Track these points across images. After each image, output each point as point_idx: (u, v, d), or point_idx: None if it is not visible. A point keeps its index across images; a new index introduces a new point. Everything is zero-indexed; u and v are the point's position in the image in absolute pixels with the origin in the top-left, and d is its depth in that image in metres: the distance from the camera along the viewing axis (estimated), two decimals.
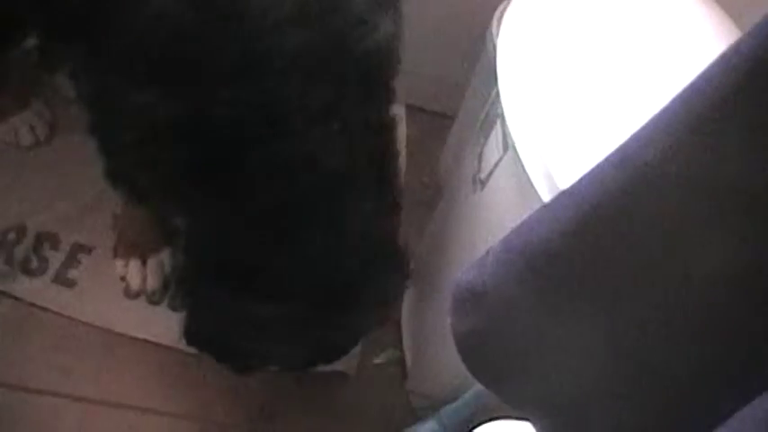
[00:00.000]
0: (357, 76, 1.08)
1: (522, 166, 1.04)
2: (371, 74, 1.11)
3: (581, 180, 0.67)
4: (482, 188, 1.21)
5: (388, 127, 1.19)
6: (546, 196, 1.01)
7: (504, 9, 1.55)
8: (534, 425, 0.83)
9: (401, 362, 1.69)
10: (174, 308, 1.59)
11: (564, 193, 0.70)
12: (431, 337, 1.58)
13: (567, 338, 0.74)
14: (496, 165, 1.16)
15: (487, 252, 0.80)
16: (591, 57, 1.11)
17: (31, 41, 1.58)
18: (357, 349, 1.61)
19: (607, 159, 0.64)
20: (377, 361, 1.70)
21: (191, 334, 1.32)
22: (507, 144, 1.11)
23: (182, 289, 1.35)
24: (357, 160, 1.12)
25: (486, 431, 0.96)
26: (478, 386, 1.28)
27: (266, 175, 1.09)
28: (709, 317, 0.62)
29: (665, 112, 0.59)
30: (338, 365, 1.59)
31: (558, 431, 0.80)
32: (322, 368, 1.56)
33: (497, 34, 1.54)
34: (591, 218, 0.65)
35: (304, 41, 1.01)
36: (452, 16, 1.71)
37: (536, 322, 0.75)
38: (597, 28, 1.14)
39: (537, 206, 1.02)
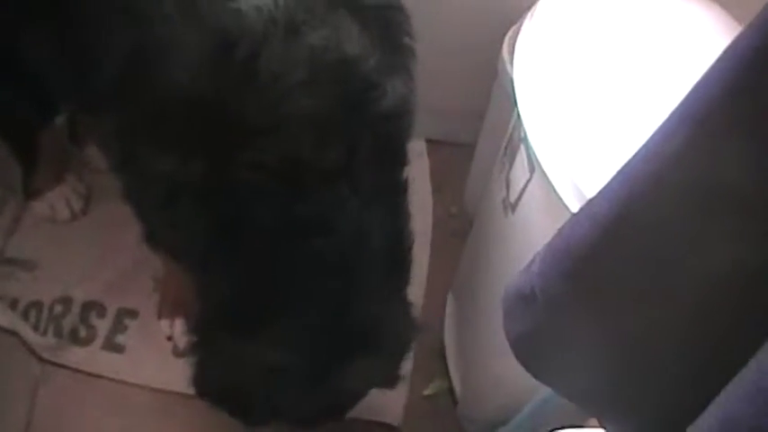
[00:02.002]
0: (370, 139, 1.11)
1: (551, 185, 1.07)
2: (384, 137, 1.13)
3: (612, 179, 0.71)
4: (513, 211, 1.24)
5: (400, 188, 1.22)
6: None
7: (514, 34, 1.60)
8: (601, 422, 0.86)
9: (450, 390, 1.71)
10: None
11: (599, 192, 0.73)
12: (476, 362, 1.60)
13: (612, 330, 0.77)
14: (524, 187, 1.18)
15: (533, 258, 0.83)
16: (605, 70, 1.14)
17: (61, 119, 1.63)
18: (403, 398, 1.65)
19: (635, 156, 0.68)
20: (426, 392, 1.72)
21: (200, 384, 1.34)
22: (533, 165, 1.14)
23: (196, 339, 1.37)
24: (368, 221, 1.15)
25: None
26: (530, 405, 1.31)
27: (281, 234, 1.13)
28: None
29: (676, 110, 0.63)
30: (385, 417, 1.63)
31: (623, 425, 0.82)
32: (368, 417, 1.60)
33: (509, 60, 1.58)
34: (625, 212, 0.69)
35: (316, 106, 1.05)
36: (463, 47, 1.74)
37: (585, 316, 0.78)
38: (610, 42, 1.17)
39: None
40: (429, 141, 1.99)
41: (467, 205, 1.95)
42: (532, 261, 0.83)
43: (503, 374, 1.46)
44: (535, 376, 0.92)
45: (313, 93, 1.05)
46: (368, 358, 1.27)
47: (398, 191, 1.22)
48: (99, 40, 1.15)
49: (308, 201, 1.10)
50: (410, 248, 1.26)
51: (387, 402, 1.59)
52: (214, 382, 1.34)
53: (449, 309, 1.76)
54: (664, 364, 0.74)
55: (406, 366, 1.57)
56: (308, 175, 1.09)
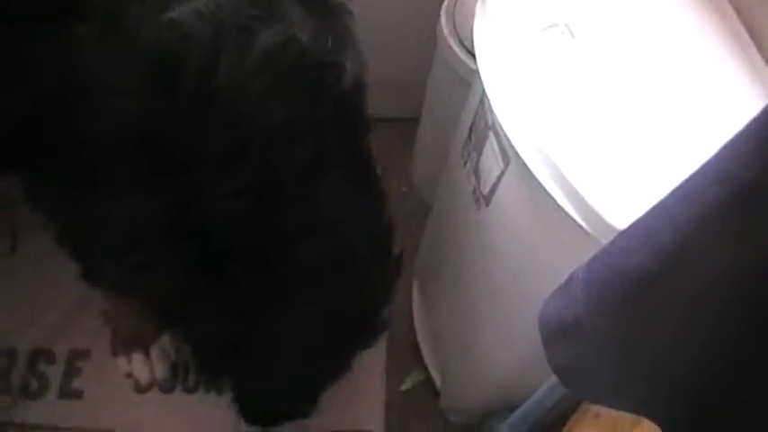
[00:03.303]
0: (337, 121, 1.01)
1: (532, 175, 0.99)
2: (349, 114, 1.04)
3: (669, 198, 0.65)
4: (487, 204, 1.15)
5: (369, 160, 1.14)
6: (563, 201, 0.96)
7: (450, 6, 1.51)
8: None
9: (429, 382, 1.64)
10: (188, 390, 1.54)
11: (653, 215, 0.67)
12: (453, 351, 1.53)
13: (659, 346, 0.74)
14: (499, 179, 1.10)
15: (570, 282, 0.77)
16: (575, 42, 1.05)
17: None
18: (381, 400, 1.61)
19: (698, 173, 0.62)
20: (404, 387, 1.65)
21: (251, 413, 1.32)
22: (508, 156, 1.05)
23: (207, 376, 1.32)
24: (349, 205, 1.07)
25: None
26: (537, 394, 1.24)
27: (272, 252, 1.03)
28: None
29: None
30: (365, 424, 1.58)
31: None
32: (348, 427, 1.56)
33: (448, 29, 1.49)
34: (690, 239, 0.63)
35: (285, 110, 0.93)
36: (398, 17, 1.66)
37: (639, 341, 0.74)
38: (577, 10, 1.09)
39: (553, 212, 0.97)
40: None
41: (417, 183, 1.87)
42: (570, 284, 0.76)
43: (483, 362, 1.40)
44: (583, 398, 0.88)
45: (279, 97, 0.93)
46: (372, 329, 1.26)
47: (369, 164, 1.14)
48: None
49: (290, 208, 1.00)
50: (390, 220, 1.20)
51: (364, 410, 1.54)
52: (262, 407, 1.33)
53: (416, 297, 1.69)
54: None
55: (379, 364, 1.52)
56: (284, 182, 0.98)
